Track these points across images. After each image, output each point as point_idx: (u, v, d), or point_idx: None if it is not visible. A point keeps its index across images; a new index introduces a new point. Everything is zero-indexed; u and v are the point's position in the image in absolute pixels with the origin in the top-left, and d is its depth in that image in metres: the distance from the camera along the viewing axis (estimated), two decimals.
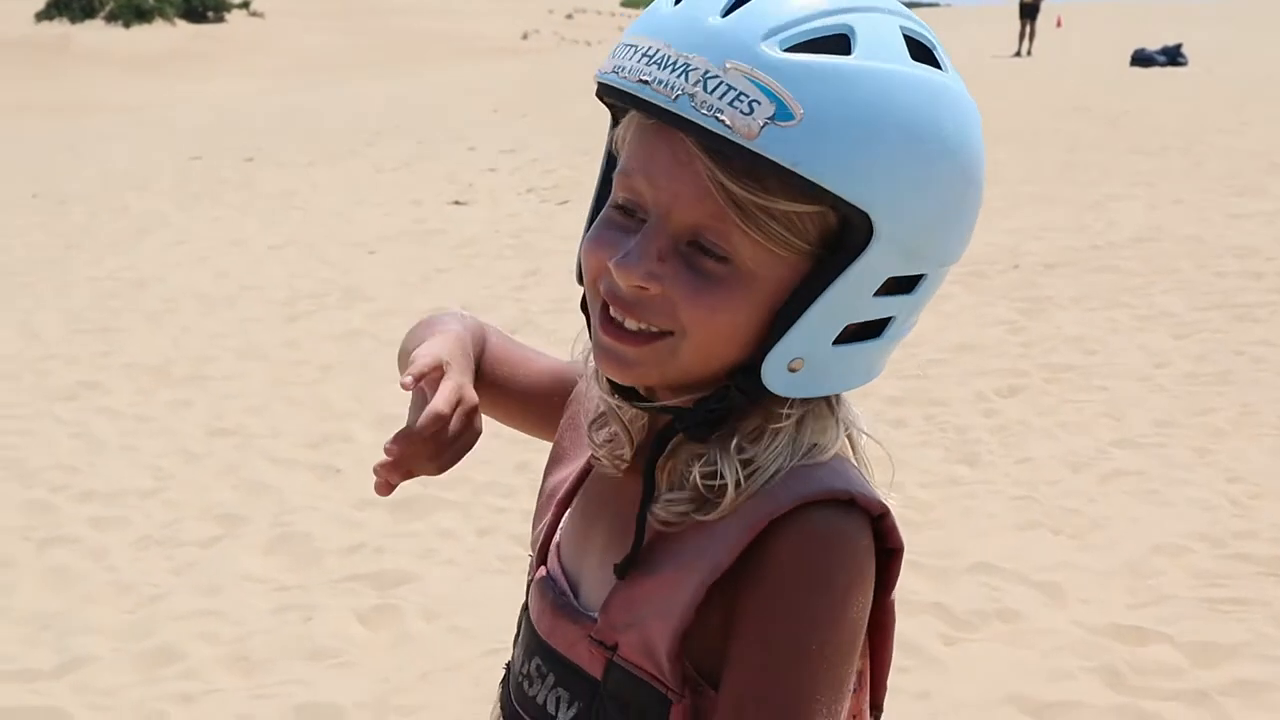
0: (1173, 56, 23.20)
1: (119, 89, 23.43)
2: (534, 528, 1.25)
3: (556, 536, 1.20)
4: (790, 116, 0.90)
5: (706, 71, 0.91)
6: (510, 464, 4.91)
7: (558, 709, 1.09)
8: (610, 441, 1.12)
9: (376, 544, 4.35)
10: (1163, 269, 7.81)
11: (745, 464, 1.00)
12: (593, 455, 1.15)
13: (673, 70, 0.93)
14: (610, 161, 1.06)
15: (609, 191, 1.04)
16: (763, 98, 0.90)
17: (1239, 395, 5.58)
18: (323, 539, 4.41)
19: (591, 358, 1.08)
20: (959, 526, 4.34)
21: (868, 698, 1.10)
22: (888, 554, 1.01)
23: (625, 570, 1.04)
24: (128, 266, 9.06)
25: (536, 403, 1.35)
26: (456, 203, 11.10)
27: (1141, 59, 23.41)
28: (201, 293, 8.17)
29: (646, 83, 0.94)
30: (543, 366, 1.37)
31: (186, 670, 3.61)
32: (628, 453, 1.10)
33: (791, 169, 0.90)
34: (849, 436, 1.06)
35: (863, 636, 1.00)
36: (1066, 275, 7.75)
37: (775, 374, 0.98)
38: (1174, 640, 3.56)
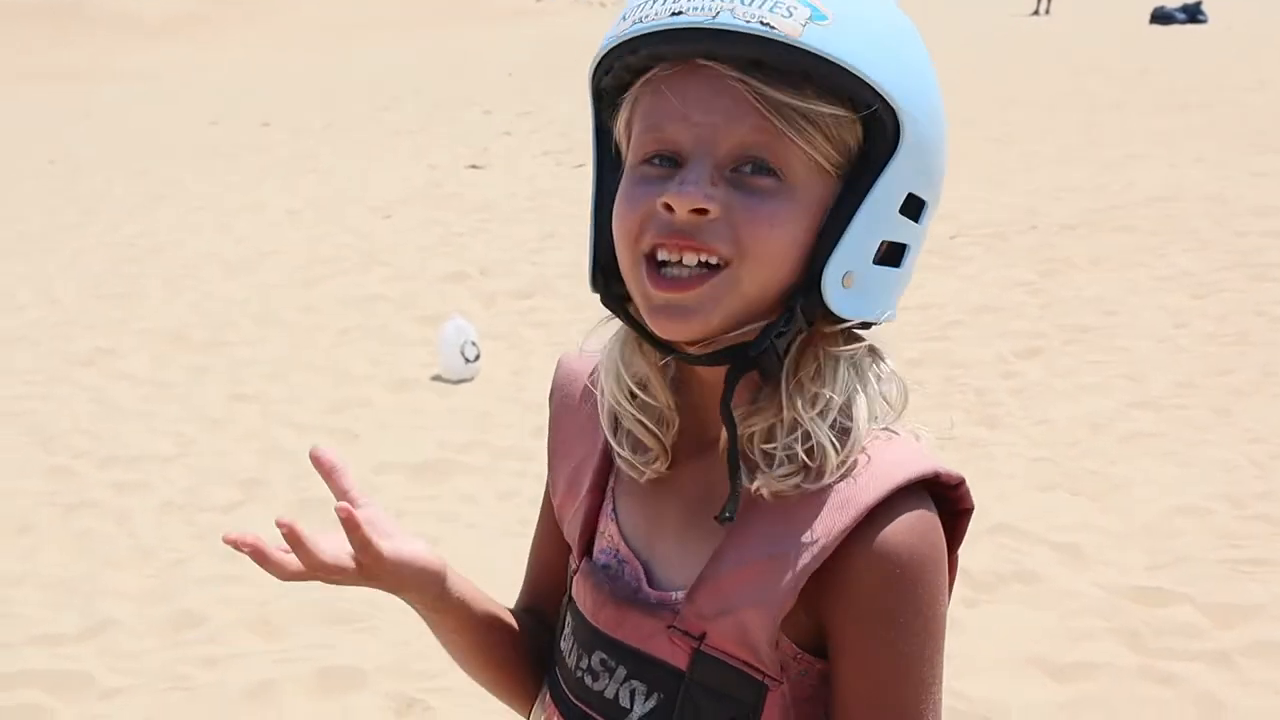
0: (1193, 14, 22.98)
1: (136, 54, 23.39)
2: (562, 520, 1.22)
3: (602, 525, 1.17)
4: (824, 17, 0.94)
5: None
6: (529, 428, 4.92)
7: (633, 702, 1.08)
8: (637, 452, 1.11)
9: (397, 508, 4.37)
10: (1182, 229, 7.76)
11: (823, 414, 1.01)
12: (629, 469, 1.12)
13: None
14: (605, 157, 1.08)
15: (613, 179, 1.05)
16: (797, 3, 0.94)
17: (1259, 355, 5.55)
18: None
19: (609, 350, 1.10)
20: (978, 488, 4.27)
21: None
22: (962, 513, 1.08)
23: (730, 513, 1.01)
24: (145, 232, 9.08)
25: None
26: (473, 166, 11.08)
27: (1161, 17, 23.19)
28: (219, 258, 8.18)
29: (680, 12, 0.96)
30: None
31: (209, 634, 3.63)
32: (662, 464, 1.10)
33: (837, 62, 0.94)
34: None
35: None
36: (1085, 236, 7.70)
37: (833, 289, 0.99)
38: (1194, 601, 3.56)
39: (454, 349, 5.71)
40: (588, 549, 1.17)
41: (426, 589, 1.17)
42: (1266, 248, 7.24)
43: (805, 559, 0.99)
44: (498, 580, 1.54)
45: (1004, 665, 3.29)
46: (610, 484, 1.17)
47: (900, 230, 1.02)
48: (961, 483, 1.05)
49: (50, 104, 17.61)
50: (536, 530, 1.33)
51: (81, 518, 4.44)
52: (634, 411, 1.09)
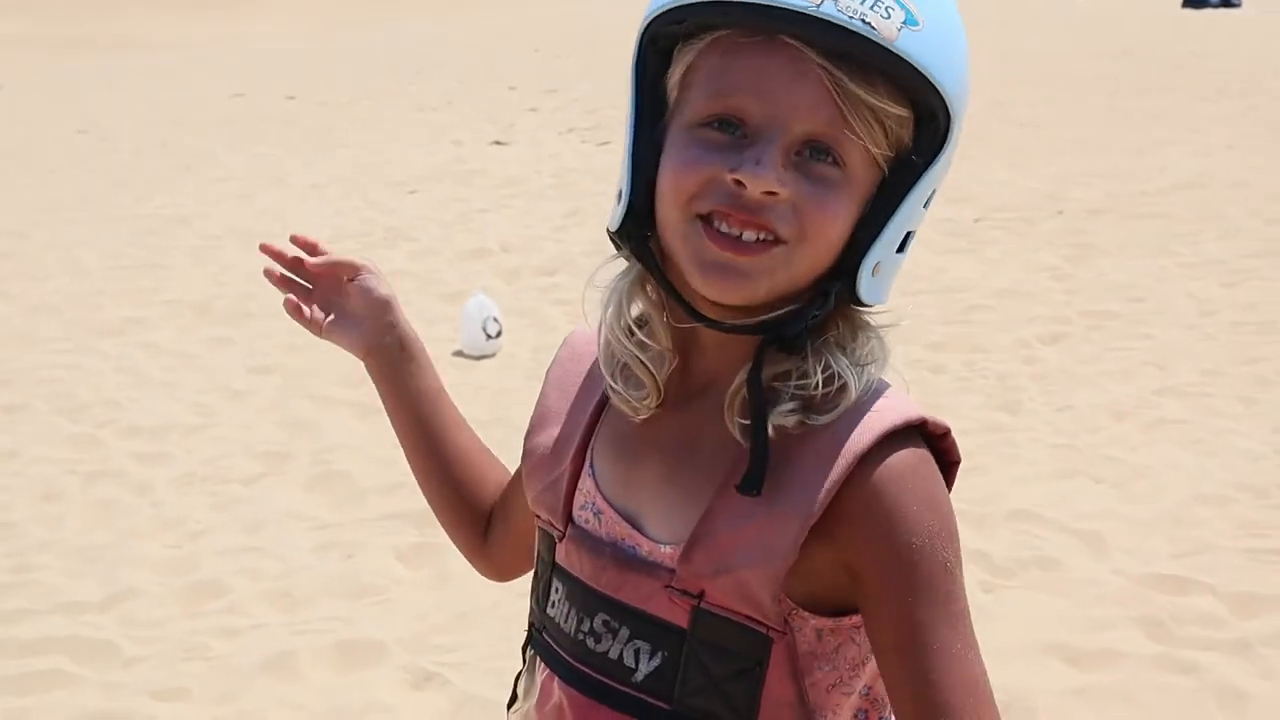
0: None
1: (164, 26, 23.45)
2: (532, 489, 1.24)
3: (581, 484, 1.18)
4: (917, 23, 0.98)
5: None
6: None
7: (638, 661, 1.10)
8: (629, 387, 1.13)
9: (417, 483, 4.38)
10: (1212, 215, 7.69)
11: (849, 357, 1.05)
12: (623, 405, 1.14)
13: None
14: (647, 100, 1.07)
15: (653, 126, 1.06)
16: (895, 6, 0.98)
17: None
18: (364, 477, 4.44)
19: (612, 286, 1.12)
20: (999, 474, 4.32)
21: None
22: (948, 467, 1.09)
23: (757, 486, 1.02)
24: (171, 203, 9.10)
25: (464, 462, 1.47)
26: (497, 143, 11.07)
27: (1194, 1, 22.97)
28: (243, 230, 8.19)
29: None
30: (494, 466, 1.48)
31: (229, 605, 3.65)
32: (653, 400, 1.11)
33: (921, 70, 0.98)
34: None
35: None
36: (1112, 221, 7.65)
37: (865, 278, 1.04)
38: (1215, 590, 3.54)
39: (476, 325, 5.71)
40: (569, 518, 1.18)
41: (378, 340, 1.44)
42: None
43: (801, 514, 1.02)
44: None
45: (1024, 652, 3.28)
46: (590, 446, 1.19)
47: (918, 220, 1.07)
48: (948, 433, 1.08)
49: (79, 74, 17.67)
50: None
51: (104, 487, 4.47)
52: (632, 348, 1.10)
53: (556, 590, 1.19)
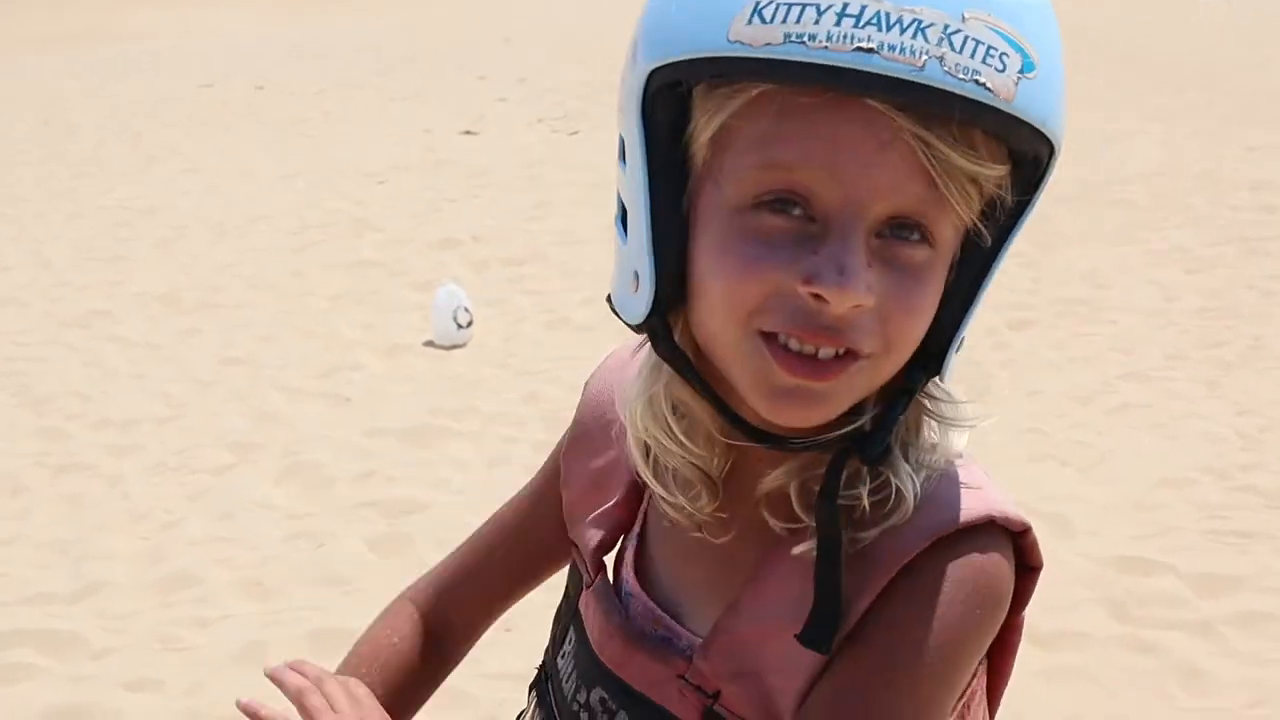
0: None
1: (129, 16, 23.26)
2: (572, 521, 1.09)
3: (625, 551, 1.05)
4: (1033, 68, 0.77)
5: (947, 26, 0.74)
6: (520, 394, 4.93)
7: None
8: (682, 491, 0.94)
9: (388, 473, 4.39)
10: (1176, 203, 7.77)
11: (926, 472, 0.88)
12: (677, 514, 0.95)
13: (902, 30, 0.73)
14: (660, 160, 0.83)
15: (676, 194, 0.83)
16: (1010, 49, 0.76)
17: (1249, 329, 5.57)
18: (334, 467, 4.45)
19: (641, 377, 0.93)
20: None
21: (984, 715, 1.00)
22: (1025, 569, 0.92)
23: (828, 645, 0.86)
24: (138, 195, 9.04)
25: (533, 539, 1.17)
26: (467, 133, 11.04)
27: None
28: (211, 222, 8.16)
29: (871, 50, 0.73)
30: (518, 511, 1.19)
31: (201, 596, 3.65)
32: (709, 504, 0.93)
33: (1040, 127, 0.78)
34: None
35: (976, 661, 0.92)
36: (1078, 209, 7.70)
37: (953, 359, 0.87)
38: (1178, 571, 3.59)
39: (446, 315, 5.71)
40: (602, 564, 1.04)
41: None
42: (1260, 222, 7.26)
43: (839, 624, 0.86)
44: None
45: None
46: (644, 506, 1.03)
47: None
48: (1027, 530, 0.90)
49: (43, 66, 17.52)
50: (509, 513, 1.18)
51: (73, 479, 4.45)
52: (676, 449, 0.91)
53: (570, 641, 1.06)
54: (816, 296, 0.77)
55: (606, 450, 1.06)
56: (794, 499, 0.89)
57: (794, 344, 0.79)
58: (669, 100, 0.81)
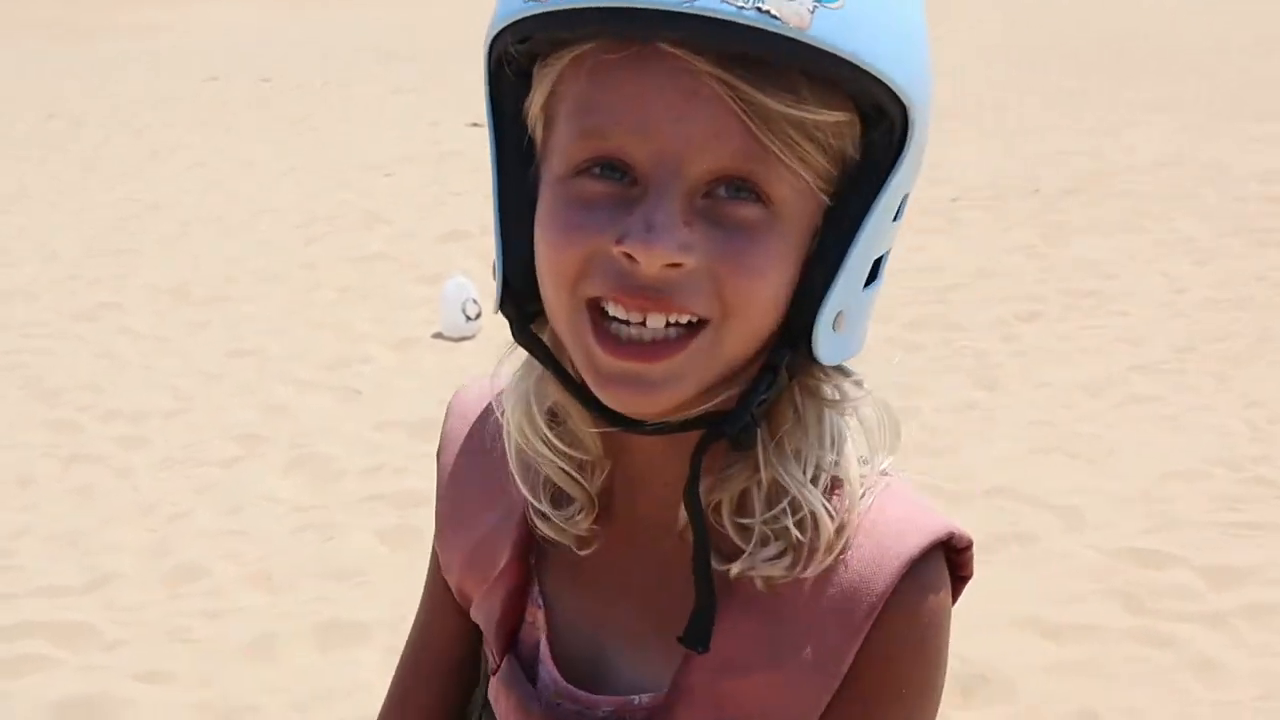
0: None
1: (135, 10, 23.26)
2: (467, 603, 0.99)
3: (529, 614, 0.95)
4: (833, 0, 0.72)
5: None
6: None
7: None
8: (558, 505, 0.89)
9: (397, 465, 4.39)
10: (1183, 194, 7.75)
11: (814, 478, 0.83)
12: (556, 534, 0.90)
13: None
14: (509, 142, 0.84)
15: (522, 173, 0.83)
16: None
17: (1258, 321, 5.56)
18: (343, 460, 4.45)
19: (518, 377, 0.90)
20: (977, 451, 4.35)
21: None
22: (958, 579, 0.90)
23: (704, 640, 0.82)
24: (144, 189, 9.05)
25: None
26: (474, 125, 11.03)
27: None
28: (218, 215, 8.16)
29: None
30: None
31: (210, 588, 3.66)
32: (586, 519, 0.89)
33: (851, 59, 0.72)
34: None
35: None
36: (1086, 201, 7.69)
37: (824, 336, 0.79)
38: (1190, 563, 3.58)
39: (455, 307, 5.71)
40: (510, 643, 0.94)
41: None
42: (1268, 213, 7.24)
43: (826, 669, 0.83)
44: None
45: (1000, 626, 3.31)
46: (533, 560, 0.94)
47: (890, 238, 0.82)
48: (969, 546, 0.88)
49: (50, 59, 17.52)
50: (422, 607, 1.08)
51: (82, 471, 4.45)
52: (550, 455, 0.87)
53: None
54: (628, 256, 0.74)
55: (486, 517, 0.97)
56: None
57: (619, 311, 0.76)
58: (510, 78, 0.82)
